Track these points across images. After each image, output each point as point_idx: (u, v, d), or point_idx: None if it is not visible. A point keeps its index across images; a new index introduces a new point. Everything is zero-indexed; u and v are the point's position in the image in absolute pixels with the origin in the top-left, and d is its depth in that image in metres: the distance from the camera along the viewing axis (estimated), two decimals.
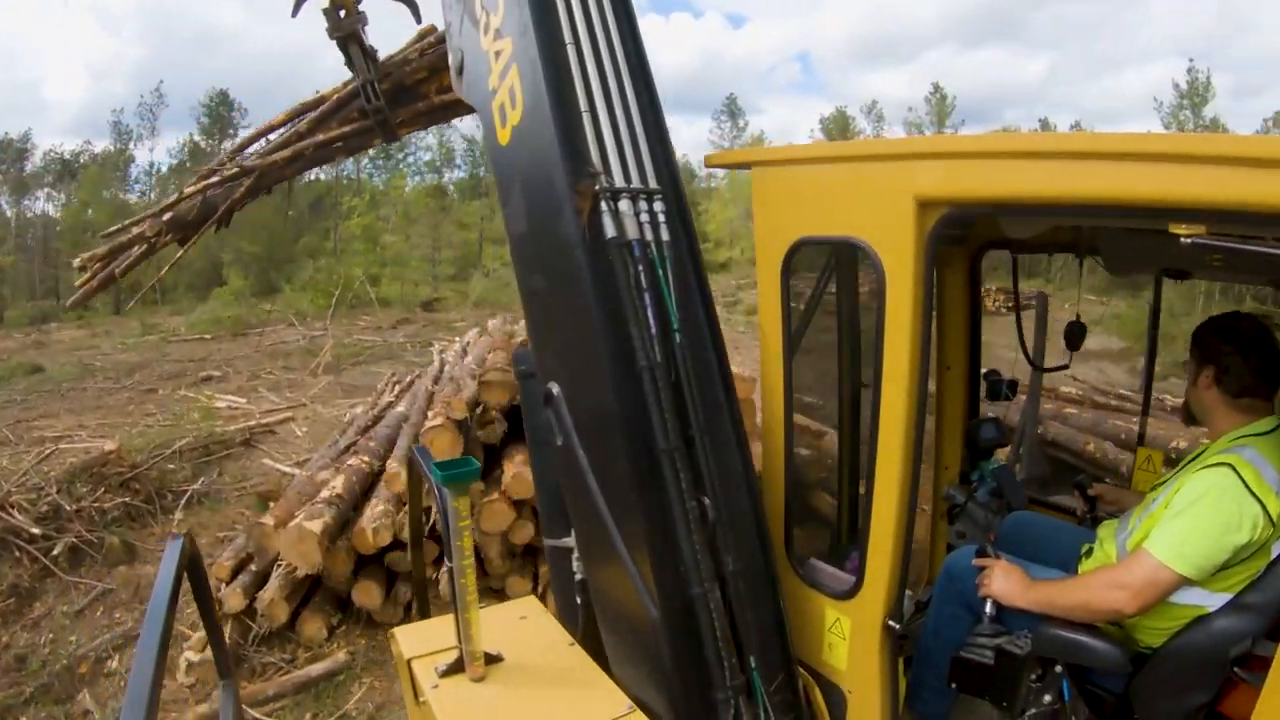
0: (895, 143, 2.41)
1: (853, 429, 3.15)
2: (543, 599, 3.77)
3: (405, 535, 5.45)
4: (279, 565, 5.55)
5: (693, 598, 2.23)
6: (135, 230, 5.18)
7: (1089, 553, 2.74)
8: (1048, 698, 2.36)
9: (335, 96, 5.04)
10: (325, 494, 5.75)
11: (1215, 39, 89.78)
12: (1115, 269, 3.60)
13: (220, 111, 49.43)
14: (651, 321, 2.29)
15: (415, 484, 2.84)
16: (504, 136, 2.67)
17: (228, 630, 5.19)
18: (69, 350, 19.59)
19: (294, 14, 4.57)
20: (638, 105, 2.52)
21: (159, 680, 1.46)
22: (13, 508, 6.74)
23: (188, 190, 5.14)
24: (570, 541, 2.76)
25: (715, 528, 2.28)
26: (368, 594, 5.61)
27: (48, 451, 8.51)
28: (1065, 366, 4.12)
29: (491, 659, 2.38)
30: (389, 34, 4.78)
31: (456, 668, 2.35)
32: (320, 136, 4.97)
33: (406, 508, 5.56)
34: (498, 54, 2.66)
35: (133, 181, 48.66)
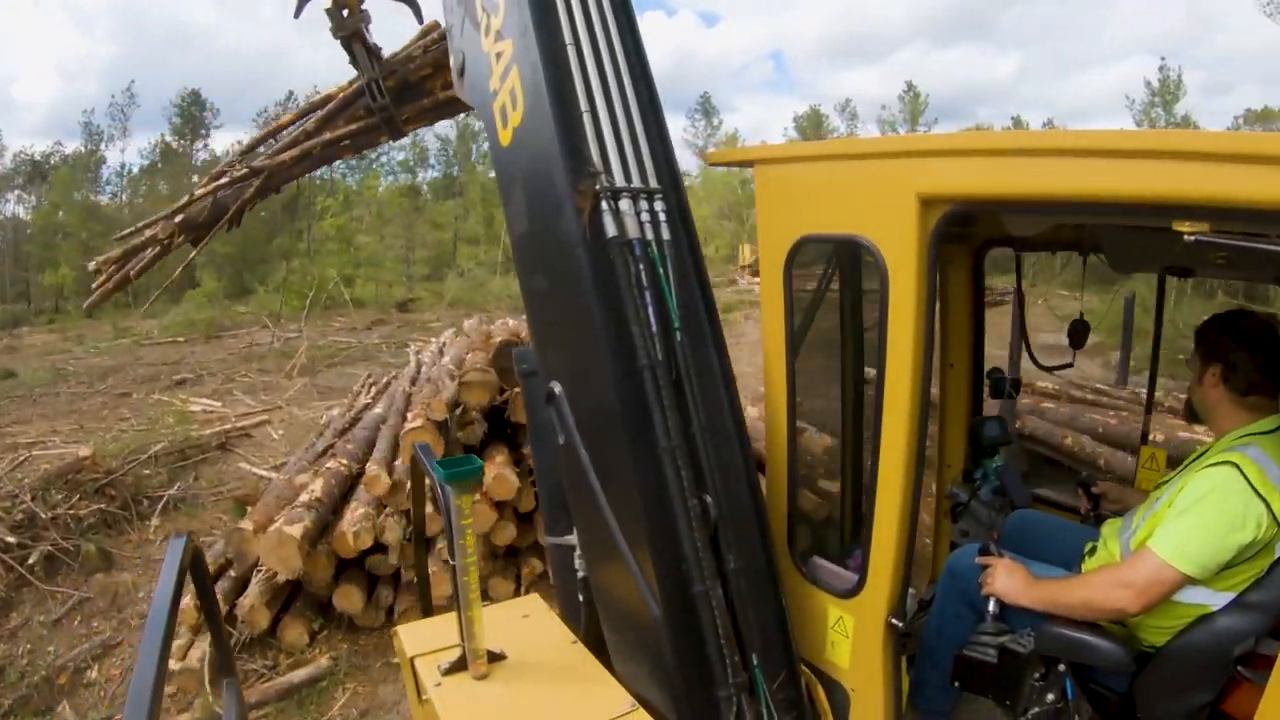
0: (898, 140, 2.42)
1: (856, 427, 3.14)
2: None
3: (386, 538, 5.49)
4: (259, 571, 5.47)
5: (695, 595, 2.23)
6: (148, 233, 5.20)
7: (1092, 551, 2.73)
8: (1051, 696, 2.37)
9: (341, 95, 5.06)
10: (304, 498, 5.67)
11: (1185, 38, 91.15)
12: (1119, 267, 3.62)
13: (192, 111, 49.32)
14: (652, 320, 2.30)
15: (417, 482, 2.82)
16: (505, 137, 2.67)
17: (208, 638, 5.09)
18: (41, 355, 19.41)
19: (296, 14, 4.56)
20: (638, 105, 2.53)
21: (161, 681, 1.45)
22: None
23: (198, 192, 5.18)
24: (572, 539, 2.77)
25: (717, 525, 2.29)
26: (349, 598, 5.54)
27: (21, 458, 8.40)
28: (1069, 365, 4.15)
29: (494, 657, 2.38)
30: (389, 34, 4.81)
31: (459, 666, 2.34)
32: (327, 135, 4.98)
33: (387, 510, 5.59)
34: (498, 55, 2.67)
35: (104, 183, 48.72)
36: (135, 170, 49.27)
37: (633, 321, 2.27)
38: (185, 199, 5.24)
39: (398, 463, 5.99)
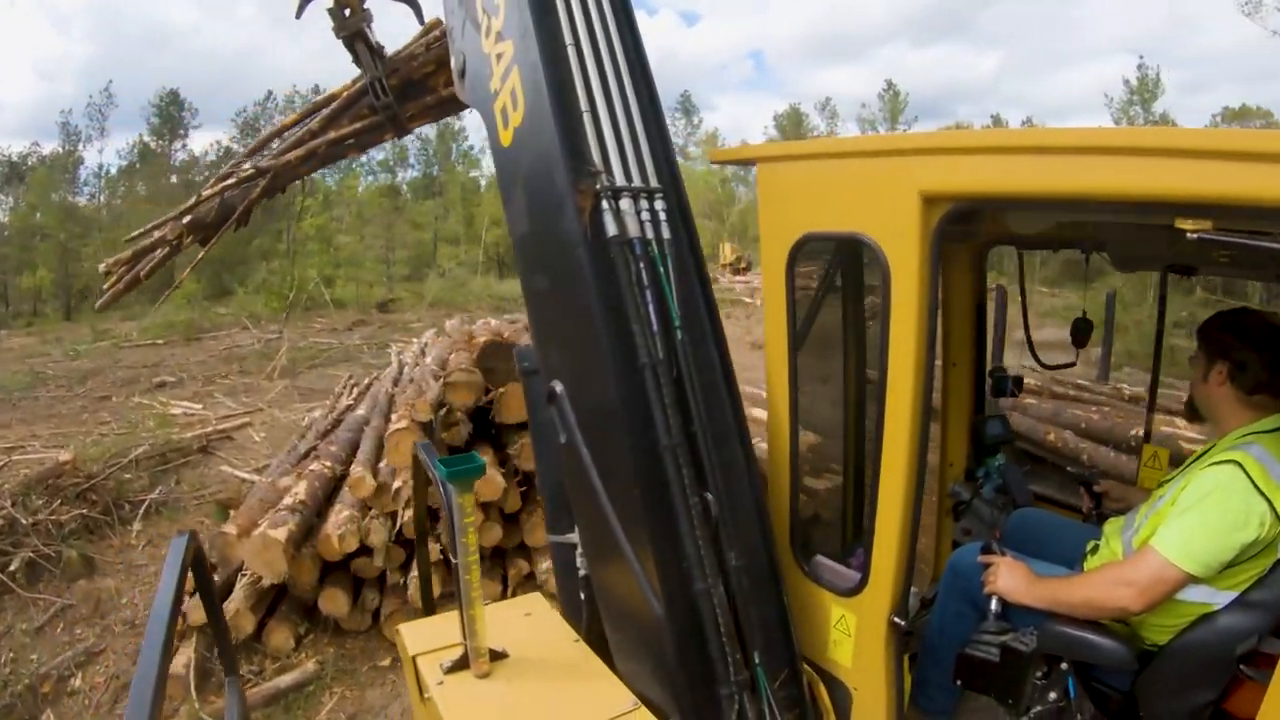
0: (900, 138, 2.43)
1: (858, 425, 3.13)
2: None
3: (371, 541, 5.43)
4: (243, 575, 5.43)
5: (696, 593, 2.23)
6: (157, 234, 5.25)
7: (1094, 550, 2.72)
8: (1053, 695, 2.36)
9: (345, 94, 5.09)
10: (288, 501, 5.62)
11: (1164, 37, 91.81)
12: (1121, 265, 3.63)
13: (171, 111, 48.83)
14: (653, 318, 2.30)
15: (420, 480, 2.81)
16: (506, 138, 2.68)
17: (193, 644, 5.06)
18: (19, 358, 19.10)
19: (298, 15, 4.57)
20: (638, 104, 2.54)
21: (163, 679, 1.43)
22: None
23: (206, 193, 5.23)
24: (574, 537, 2.77)
25: (718, 523, 2.29)
26: (334, 602, 5.49)
27: (0, 464, 8.24)
28: (1071, 364, 4.16)
29: (496, 655, 2.38)
30: (389, 34, 4.82)
31: (461, 664, 2.34)
32: (332, 134, 5.01)
33: (372, 512, 5.53)
34: (499, 56, 2.68)
35: (82, 184, 47.93)
36: (113, 171, 48.81)
37: (633, 320, 2.28)
38: (193, 199, 5.30)
39: (382, 464, 5.94)
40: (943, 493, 3.82)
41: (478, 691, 2.28)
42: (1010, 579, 2.45)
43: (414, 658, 2.46)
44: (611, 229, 2.33)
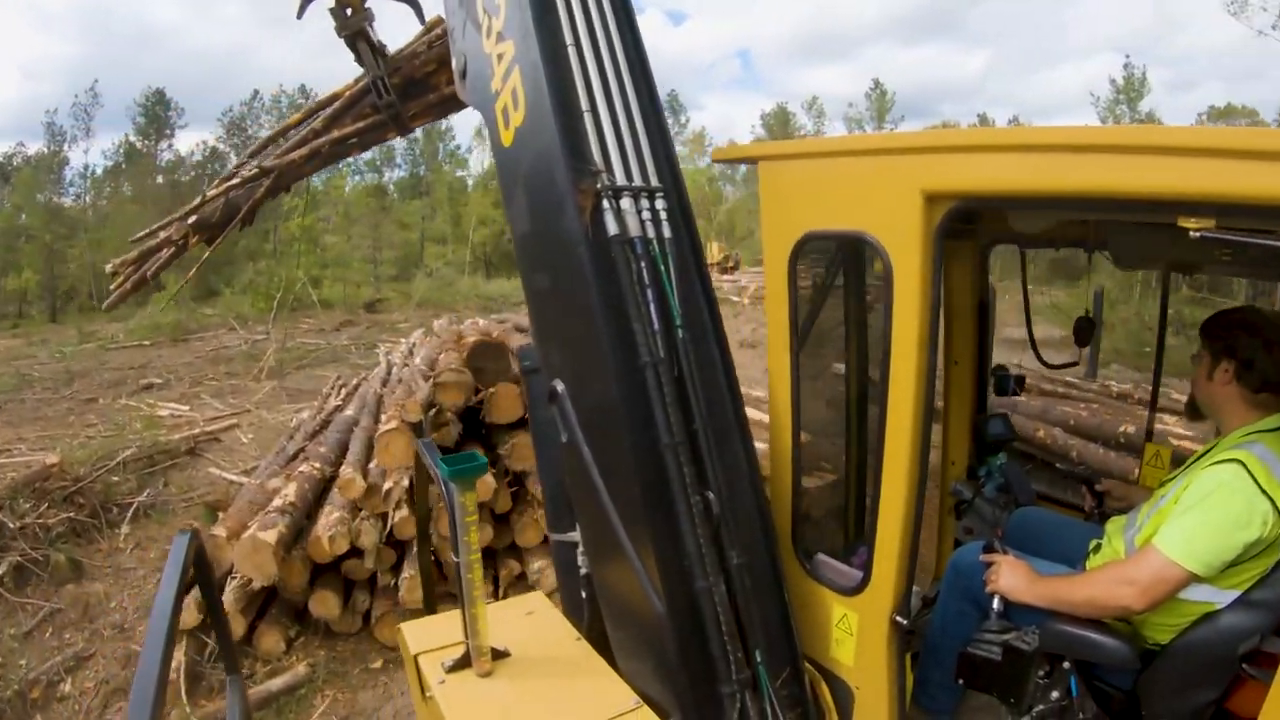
0: (903, 136, 2.43)
1: (860, 424, 3.13)
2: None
3: (362, 542, 5.41)
4: (233, 578, 5.38)
5: (697, 592, 2.23)
6: (163, 235, 5.28)
7: (1097, 549, 2.72)
8: (1055, 694, 2.36)
9: (348, 93, 5.11)
10: (278, 502, 5.58)
11: (1150, 36, 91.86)
12: (1124, 263, 3.62)
13: (157, 111, 48.57)
14: (654, 317, 2.31)
15: (422, 479, 2.80)
16: (507, 138, 2.68)
17: (182, 648, 5.02)
18: (5, 360, 18.96)
19: (299, 15, 4.57)
20: (638, 104, 2.55)
21: (165, 676, 1.43)
22: None
23: (211, 193, 5.25)
24: (575, 536, 2.77)
25: (719, 521, 2.29)
26: (325, 604, 5.46)
27: None
28: (1074, 363, 4.16)
29: (498, 654, 2.38)
30: (390, 35, 4.83)
31: (463, 663, 2.35)
32: (335, 133, 5.03)
33: (362, 514, 5.51)
34: (500, 57, 2.69)
35: (67, 184, 47.69)
36: (99, 171, 48.50)
37: (634, 319, 2.28)
38: (198, 199, 5.33)
39: (372, 465, 5.90)
40: (944, 491, 3.82)
41: (480, 690, 2.27)
42: (1012, 578, 2.45)
43: (416, 657, 2.46)
44: (612, 228, 2.33)
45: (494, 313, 19.51)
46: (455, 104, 5.05)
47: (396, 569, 5.64)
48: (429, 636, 2.55)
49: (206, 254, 5.25)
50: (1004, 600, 2.47)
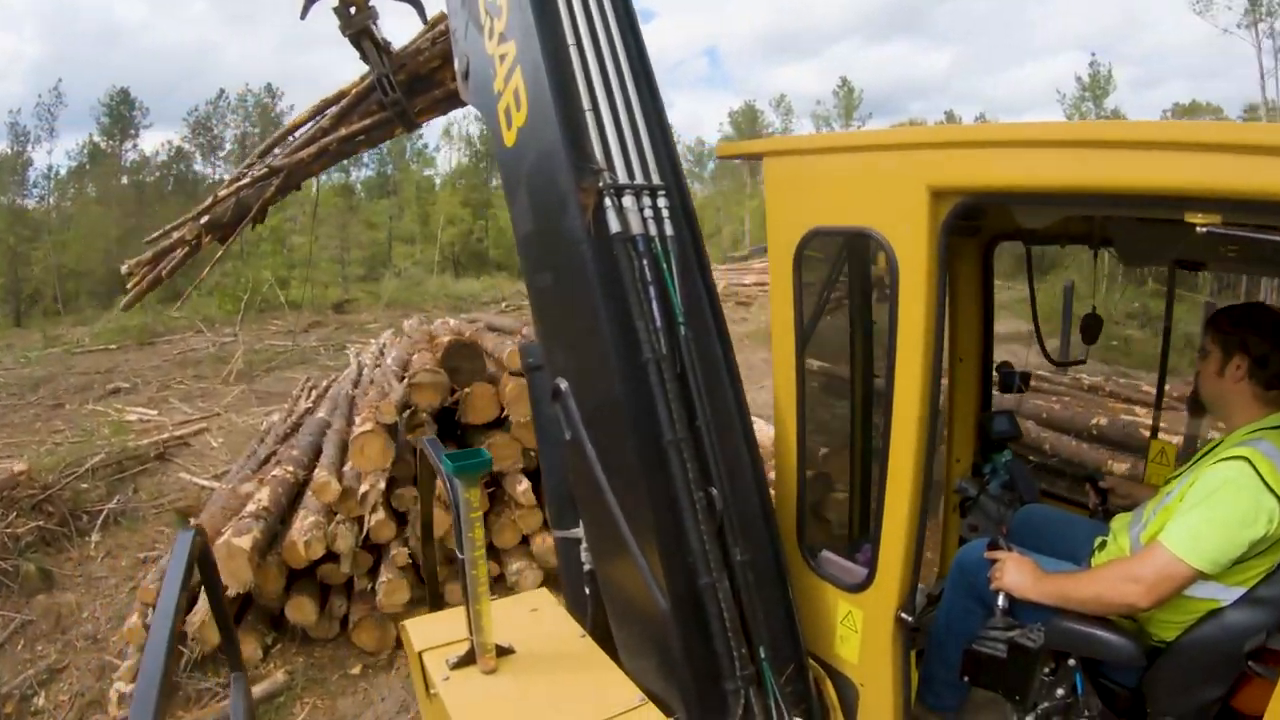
0: (908, 132, 2.41)
1: (865, 420, 3.13)
2: None
3: (338, 546, 5.35)
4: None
5: (701, 588, 2.23)
6: (176, 235, 5.43)
7: (1102, 546, 2.71)
8: (1060, 691, 2.35)
9: (354, 91, 5.17)
10: (251, 507, 5.50)
11: (1115, 34, 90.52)
12: (1129, 260, 3.60)
13: (121, 111, 47.29)
14: (656, 314, 2.31)
15: (426, 475, 2.81)
16: (510, 138, 2.70)
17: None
18: None
19: (303, 15, 4.59)
20: (639, 102, 2.55)
21: (169, 676, 1.43)
22: None
23: (221, 194, 5.41)
24: (579, 532, 2.77)
25: (723, 518, 2.29)
26: (301, 610, 5.38)
27: None
28: (1082, 361, 4.14)
29: (503, 651, 2.39)
30: (390, 34, 4.81)
31: (468, 660, 2.35)
32: (343, 131, 5.11)
33: (338, 517, 5.45)
34: (502, 58, 2.70)
35: (30, 186, 45.97)
36: (63, 172, 47.11)
37: (637, 316, 2.29)
38: (209, 200, 5.42)
39: (346, 468, 5.83)
40: (949, 488, 3.80)
41: (484, 687, 2.28)
42: (1017, 575, 2.44)
43: (420, 653, 2.47)
44: (615, 226, 2.34)
45: (464, 312, 19.23)
46: (460, 99, 5.10)
47: (373, 573, 5.59)
48: (433, 633, 2.56)
49: (220, 253, 5.34)
50: (1009, 597, 2.46)
